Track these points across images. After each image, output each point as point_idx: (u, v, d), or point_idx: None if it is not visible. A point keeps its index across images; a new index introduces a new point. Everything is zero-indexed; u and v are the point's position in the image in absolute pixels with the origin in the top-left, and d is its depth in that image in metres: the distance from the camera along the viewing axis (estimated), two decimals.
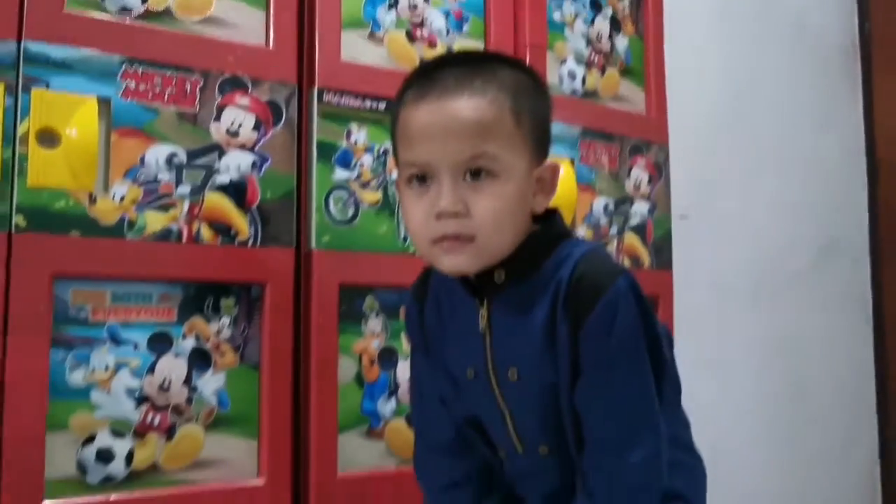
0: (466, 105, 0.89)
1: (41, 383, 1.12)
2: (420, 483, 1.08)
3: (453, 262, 0.91)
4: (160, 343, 1.22)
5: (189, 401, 1.24)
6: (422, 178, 0.91)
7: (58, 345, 1.15)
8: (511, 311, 0.93)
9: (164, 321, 1.23)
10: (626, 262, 1.69)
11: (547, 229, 0.95)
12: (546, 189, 0.95)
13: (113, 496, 1.16)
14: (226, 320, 1.28)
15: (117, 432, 1.18)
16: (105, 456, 1.17)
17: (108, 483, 1.17)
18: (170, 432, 1.22)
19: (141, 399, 1.20)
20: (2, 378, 1.10)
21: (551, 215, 0.97)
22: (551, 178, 0.95)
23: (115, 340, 1.19)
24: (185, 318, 1.25)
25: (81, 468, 1.15)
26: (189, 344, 1.24)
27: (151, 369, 1.21)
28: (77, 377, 1.16)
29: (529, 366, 0.93)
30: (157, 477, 1.21)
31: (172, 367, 1.23)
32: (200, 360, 1.25)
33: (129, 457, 1.19)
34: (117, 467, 1.18)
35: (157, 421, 1.21)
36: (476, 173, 0.89)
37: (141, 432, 1.20)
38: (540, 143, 0.95)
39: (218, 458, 1.26)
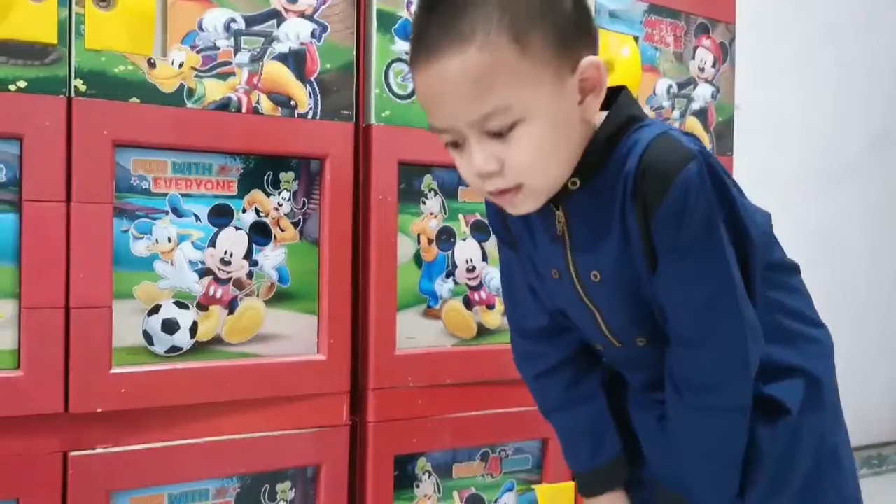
0: (454, 64, 0.78)
1: (106, 252, 1.11)
2: (520, 372, 1.07)
3: (515, 210, 0.87)
4: (221, 216, 1.20)
5: (250, 275, 1.23)
6: (454, 142, 0.85)
7: (121, 215, 1.13)
8: (586, 213, 0.88)
9: (224, 193, 1.21)
10: None
11: (612, 119, 0.88)
12: (594, 87, 0.84)
13: (178, 365, 1.17)
14: (285, 195, 1.25)
15: (181, 304, 1.18)
16: (170, 326, 1.17)
17: (173, 353, 1.17)
18: (231, 306, 1.22)
19: (203, 272, 1.19)
20: (67, 247, 1.09)
21: (618, 95, 0.90)
22: (596, 76, 0.84)
23: (177, 212, 1.17)
24: (245, 192, 1.22)
25: (147, 338, 1.16)
26: (249, 218, 1.22)
27: (213, 242, 1.20)
28: (140, 248, 1.15)
29: (610, 266, 0.89)
30: (220, 349, 1.21)
31: (233, 240, 1.21)
32: (260, 234, 1.23)
33: (193, 328, 1.19)
34: (182, 338, 1.18)
35: (219, 294, 1.21)
36: (496, 132, 0.81)
37: (204, 305, 1.20)
38: (566, 45, 0.82)
39: (279, 332, 1.26)
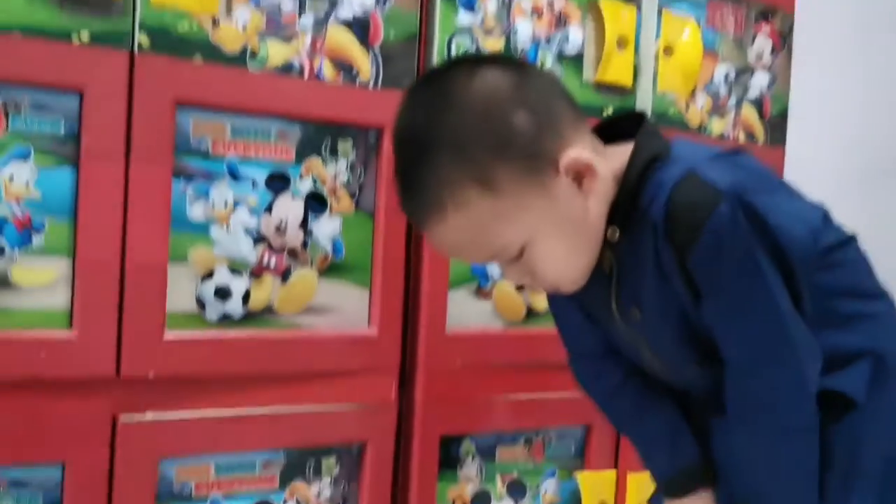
0: (440, 231, 0.82)
1: (163, 214, 1.08)
2: (585, 392, 1.05)
3: (565, 293, 0.89)
4: (278, 182, 1.17)
5: (304, 245, 1.20)
6: None
7: (178, 176, 1.10)
8: (628, 257, 0.87)
9: (281, 160, 1.18)
10: (742, 136, 1.61)
11: (634, 163, 0.85)
12: (586, 173, 0.82)
13: (230, 334, 1.14)
14: (343, 164, 1.22)
15: (235, 270, 1.15)
16: (223, 293, 1.14)
17: (225, 321, 1.15)
18: (285, 275, 1.19)
19: (258, 239, 1.16)
20: (125, 206, 1.06)
21: (637, 129, 0.87)
22: (582, 166, 0.81)
23: (234, 176, 1.14)
24: (302, 158, 1.19)
25: (200, 303, 1.13)
26: (306, 185, 1.19)
27: (269, 209, 1.17)
28: (197, 211, 1.12)
29: (649, 305, 0.87)
30: (271, 319, 1.18)
31: (289, 208, 1.18)
32: (317, 203, 1.20)
33: (246, 296, 1.16)
34: (234, 306, 1.15)
35: (272, 263, 1.18)
36: (512, 259, 0.84)
37: (257, 273, 1.17)
38: (536, 159, 0.80)
39: (330, 305, 1.23)
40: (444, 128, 0.80)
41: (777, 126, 1.66)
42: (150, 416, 1.10)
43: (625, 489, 1.48)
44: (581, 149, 0.82)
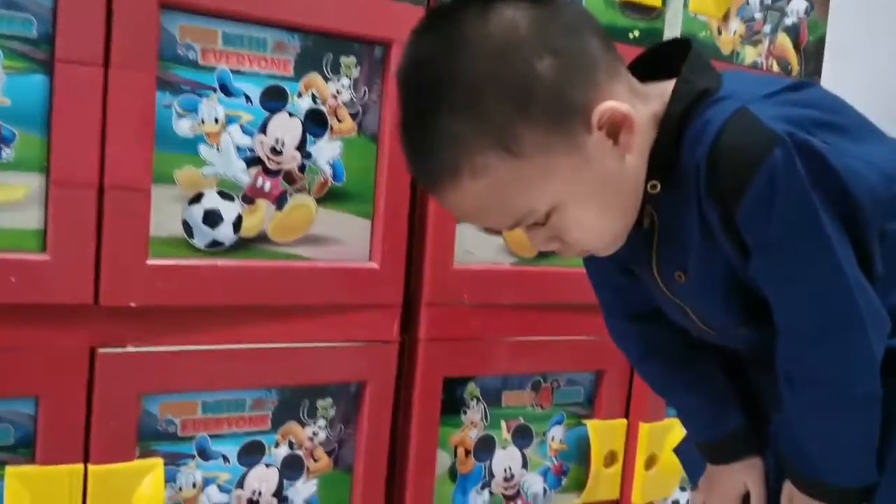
0: (456, 197, 0.72)
1: (146, 128, 0.98)
2: (622, 351, 0.97)
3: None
4: (274, 99, 1.07)
5: (302, 168, 1.10)
6: None
7: (163, 87, 1.00)
8: (669, 211, 0.76)
9: (279, 74, 1.07)
10: (775, 66, 1.50)
11: (677, 99, 0.73)
12: (622, 124, 0.71)
13: (219, 262, 1.05)
14: (345, 81, 1.12)
15: (225, 194, 1.05)
16: (212, 218, 1.05)
17: (214, 248, 1.05)
18: (280, 201, 1.09)
19: (251, 160, 1.06)
20: (104, 118, 0.96)
21: (684, 58, 0.75)
22: (618, 116, 0.70)
23: (226, 90, 1.04)
24: (301, 74, 1.08)
25: (187, 229, 1.04)
26: (305, 103, 1.09)
27: (264, 128, 1.07)
28: (184, 127, 1.02)
29: (694, 265, 0.77)
30: (265, 248, 1.09)
31: (286, 127, 1.08)
32: (316, 123, 1.10)
33: (237, 222, 1.06)
34: (224, 232, 1.06)
35: (267, 186, 1.08)
36: (538, 223, 0.74)
37: (250, 197, 1.07)
38: (564, 116, 0.69)
39: (329, 235, 1.13)
40: (455, 80, 0.68)
41: (812, 56, 1.55)
42: (131, 348, 1.01)
43: (636, 439, 1.41)
44: (616, 98, 0.71)
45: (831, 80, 1.58)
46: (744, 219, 0.70)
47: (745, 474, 0.90)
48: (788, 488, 0.82)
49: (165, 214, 1.02)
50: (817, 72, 1.55)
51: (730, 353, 0.90)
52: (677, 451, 0.98)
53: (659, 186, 0.75)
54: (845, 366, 0.74)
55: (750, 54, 1.46)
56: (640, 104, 0.74)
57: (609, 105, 0.70)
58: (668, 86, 0.75)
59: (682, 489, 1.50)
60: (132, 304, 0.99)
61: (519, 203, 0.71)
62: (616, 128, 0.71)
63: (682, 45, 0.77)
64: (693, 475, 0.99)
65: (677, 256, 0.78)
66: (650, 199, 0.75)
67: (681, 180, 0.73)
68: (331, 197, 1.13)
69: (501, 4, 0.69)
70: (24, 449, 0.97)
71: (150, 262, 1.00)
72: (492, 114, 0.67)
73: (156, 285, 1.01)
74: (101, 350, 0.99)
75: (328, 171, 1.12)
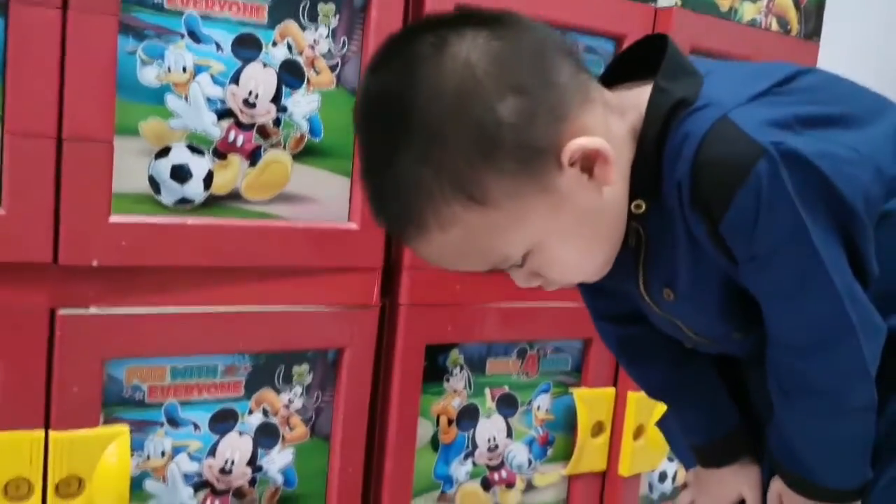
0: (424, 248, 0.67)
1: (108, 75, 0.92)
2: (613, 353, 0.94)
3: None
4: (247, 47, 1.01)
5: (277, 122, 1.04)
6: None
7: (126, 32, 0.94)
8: (656, 227, 0.71)
9: (251, 20, 1.01)
10: (774, 25, 1.44)
11: (653, 112, 0.67)
12: (596, 158, 0.65)
13: (189, 220, 1.00)
14: (323, 30, 1.05)
15: (195, 148, 0.99)
16: (181, 173, 0.99)
17: (183, 205, 1.00)
18: (254, 156, 1.03)
19: (223, 113, 1.01)
20: (62, 65, 0.90)
21: (660, 63, 0.69)
22: (590, 150, 0.65)
23: (194, 36, 0.97)
24: (276, 22, 1.02)
25: (154, 185, 0.98)
26: (280, 53, 1.03)
27: (236, 78, 1.00)
28: (149, 75, 0.96)
29: (684, 282, 0.73)
30: (237, 206, 1.03)
31: (260, 78, 1.02)
32: (292, 74, 1.04)
33: (208, 179, 1.01)
34: (194, 189, 1.00)
35: (240, 141, 1.02)
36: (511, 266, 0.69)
37: (221, 152, 1.01)
38: (533, 157, 0.64)
39: (306, 193, 1.08)
40: (412, 126, 0.62)
41: (812, 15, 1.49)
42: (94, 310, 0.96)
43: (624, 409, 1.37)
44: (588, 127, 0.65)
45: (831, 40, 1.53)
46: (728, 234, 0.66)
47: (740, 479, 0.88)
48: (778, 485, 0.80)
49: (130, 169, 0.96)
50: (817, 32, 1.49)
51: (723, 355, 0.86)
52: (660, 424, 0.94)
53: (644, 206, 0.69)
54: (836, 378, 0.71)
55: (749, 11, 1.40)
56: (617, 120, 0.68)
57: (579, 143, 0.64)
58: (646, 93, 0.69)
59: (671, 460, 1.47)
60: (94, 264, 0.94)
61: (490, 250, 0.66)
62: (590, 161, 0.65)
63: (660, 42, 0.71)
64: (677, 449, 0.95)
65: (665, 273, 0.73)
66: (635, 217, 0.71)
67: (665, 197, 0.68)
68: (307, 153, 1.07)
69: (457, 40, 0.63)
70: None
71: (113, 219, 0.95)
72: (454, 163, 0.62)
73: (119, 244, 0.95)
74: (62, 311, 0.94)
75: (304, 125, 1.06)
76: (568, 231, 0.67)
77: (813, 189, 0.65)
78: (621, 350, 0.92)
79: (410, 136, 0.62)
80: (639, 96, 0.69)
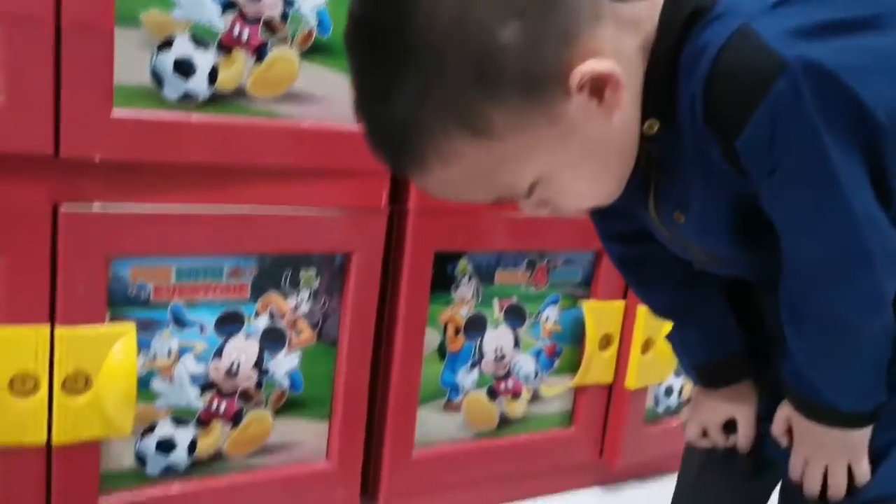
0: (425, 182, 0.63)
1: None
2: (620, 272, 0.91)
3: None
4: None
5: (284, 17, 1.00)
6: None
7: None
8: (669, 147, 0.67)
9: None
10: None
11: (667, 24, 0.63)
12: (606, 82, 0.61)
13: (193, 116, 0.97)
14: None
15: (199, 41, 0.96)
16: (184, 67, 0.95)
17: (187, 101, 0.96)
18: (260, 52, 0.99)
19: (227, 5, 0.96)
20: None
21: None
22: (601, 73, 0.60)
23: None
24: None
25: (157, 78, 0.94)
26: None
27: None
28: None
29: (697, 204, 0.70)
30: (244, 104, 1.00)
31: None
32: None
33: (213, 74, 0.97)
34: (199, 84, 0.96)
35: (245, 35, 0.98)
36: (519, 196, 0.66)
37: (227, 46, 0.97)
38: (538, 85, 0.59)
39: (314, 91, 1.04)
40: (407, 55, 0.58)
41: None
42: (97, 207, 0.94)
43: (633, 322, 1.36)
44: (598, 47, 0.60)
45: None
46: (744, 152, 0.62)
47: (735, 402, 0.87)
48: (787, 410, 0.78)
49: (131, 61, 0.93)
50: None
51: (732, 278, 0.84)
52: (670, 338, 0.93)
53: (657, 126, 0.65)
54: (851, 306, 0.68)
55: None
56: (629, 37, 0.63)
57: (588, 67, 0.60)
58: (660, 2, 0.64)
59: (677, 374, 1.47)
60: (96, 159, 0.92)
61: (495, 182, 0.63)
62: (600, 85, 0.61)
63: None
64: (685, 365, 0.95)
65: (677, 196, 0.70)
66: (647, 138, 0.67)
67: (679, 114, 0.64)
68: (316, 50, 1.03)
69: None
70: None
71: (116, 113, 0.92)
72: (453, 94, 0.58)
73: (122, 139, 0.93)
74: (65, 208, 0.92)
75: (313, 20, 1.02)
76: (577, 160, 0.64)
77: (836, 105, 0.60)
78: (627, 270, 0.90)
79: (405, 67, 0.58)
80: (652, 7, 0.64)
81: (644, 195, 0.72)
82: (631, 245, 0.87)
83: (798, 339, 0.72)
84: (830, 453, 0.76)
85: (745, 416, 0.88)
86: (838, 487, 0.76)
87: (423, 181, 0.64)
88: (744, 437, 0.88)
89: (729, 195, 0.68)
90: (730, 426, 0.88)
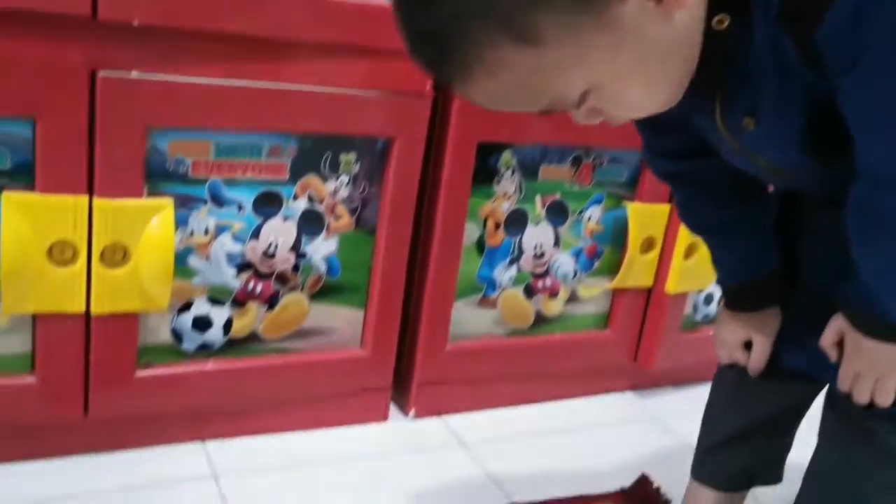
0: (470, 92, 0.61)
1: None
2: (664, 181, 0.89)
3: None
4: None
5: None
6: None
7: None
8: (739, 47, 0.63)
9: None
10: None
11: None
12: None
13: None
14: None
15: None
16: None
17: None
18: None
19: None
20: None
21: None
22: None
23: None
24: None
25: None
26: None
27: None
28: None
29: (769, 107, 0.65)
30: None
31: None
32: None
33: None
34: None
35: None
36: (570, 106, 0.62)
37: None
38: None
39: None
40: None
41: None
42: (135, 74, 0.92)
43: (676, 226, 1.32)
44: None
45: None
46: (825, 44, 0.59)
47: (755, 324, 0.88)
48: (840, 323, 0.76)
49: None
50: None
51: (780, 195, 0.83)
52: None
53: (727, 22, 0.61)
54: None
55: None
56: None
57: None
58: None
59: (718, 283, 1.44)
60: (135, 23, 0.88)
61: (546, 92, 0.60)
62: None
63: None
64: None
65: (747, 100, 0.67)
66: (715, 35, 0.62)
67: (752, 7, 0.60)
68: None
69: None
70: (23, 175, 0.90)
71: None
72: (500, 1, 0.55)
73: (162, 2, 0.89)
74: (103, 73, 0.90)
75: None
76: (631, 66, 0.60)
77: None
78: (675, 187, 0.89)
79: None
80: None
81: (710, 100, 0.69)
82: (680, 161, 0.84)
83: (865, 249, 0.70)
84: (884, 369, 0.74)
85: (760, 343, 0.88)
86: (887, 399, 0.76)
87: (467, 91, 0.61)
88: (755, 361, 0.89)
89: (803, 98, 0.65)
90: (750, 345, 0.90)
